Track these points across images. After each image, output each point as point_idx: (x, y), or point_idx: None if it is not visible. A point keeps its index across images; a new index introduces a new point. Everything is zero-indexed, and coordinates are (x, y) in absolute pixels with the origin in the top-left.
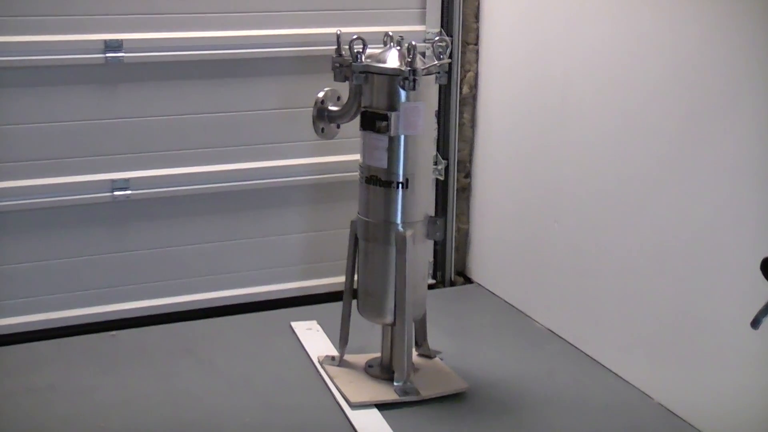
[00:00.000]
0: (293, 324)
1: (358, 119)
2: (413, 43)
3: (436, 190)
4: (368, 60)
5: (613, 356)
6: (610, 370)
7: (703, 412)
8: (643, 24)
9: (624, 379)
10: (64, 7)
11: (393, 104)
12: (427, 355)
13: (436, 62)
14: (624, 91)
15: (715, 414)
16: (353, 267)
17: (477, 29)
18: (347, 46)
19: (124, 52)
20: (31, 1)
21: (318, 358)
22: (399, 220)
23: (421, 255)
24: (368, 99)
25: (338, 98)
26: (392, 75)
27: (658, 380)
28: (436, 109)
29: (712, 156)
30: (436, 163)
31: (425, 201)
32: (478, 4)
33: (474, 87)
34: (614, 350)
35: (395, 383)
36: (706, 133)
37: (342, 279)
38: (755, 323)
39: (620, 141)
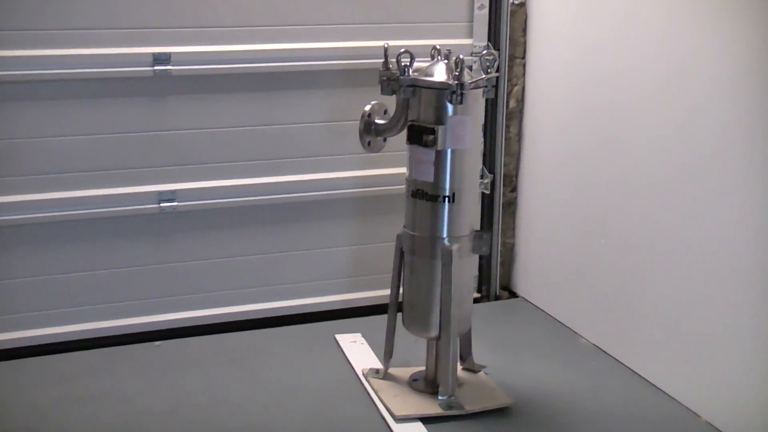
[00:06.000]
0: (338, 336)
1: (404, 133)
2: (461, 56)
3: (482, 204)
4: (415, 73)
5: (661, 373)
6: (658, 388)
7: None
8: (691, 33)
9: (672, 397)
10: (114, 21)
11: (440, 118)
12: (472, 369)
13: (484, 76)
14: (674, 104)
15: None
16: (399, 280)
17: (524, 43)
18: (395, 60)
19: (172, 65)
20: (82, 15)
21: (362, 371)
22: (445, 235)
23: (466, 269)
24: (415, 112)
25: (385, 112)
26: (440, 89)
27: (707, 398)
28: (483, 123)
29: None
30: (482, 177)
31: (471, 215)
32: (526, 18)
33: (521, 101)
34: (661, 367)
35: (440, 397)
36: (765, 139)
37: (387, 292)
38: None
39: (671, 155)
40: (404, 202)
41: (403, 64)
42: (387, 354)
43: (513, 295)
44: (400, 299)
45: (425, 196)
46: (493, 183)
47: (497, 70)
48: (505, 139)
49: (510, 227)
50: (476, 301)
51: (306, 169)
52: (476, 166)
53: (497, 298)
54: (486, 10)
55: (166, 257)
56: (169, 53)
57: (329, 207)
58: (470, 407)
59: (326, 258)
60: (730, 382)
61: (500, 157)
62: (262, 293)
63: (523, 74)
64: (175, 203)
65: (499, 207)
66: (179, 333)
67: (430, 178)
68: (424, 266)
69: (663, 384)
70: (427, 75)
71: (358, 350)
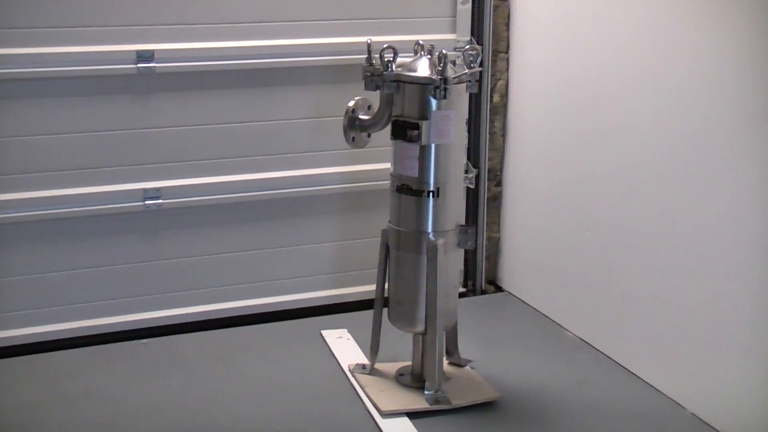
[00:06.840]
0: (324, 332)
1: (388, 128)
2: (444, 51)
3: (467, 198)
4: (399, 69)
5: (646, 366)
6: (643, 380)
7: (736, 423)
8: (673, 25)
9: (656, 389)
10: (97, 19)
11: (424, 113)
12: (458, 363)
13: (467, 71)
14: (657, 96)
15: (750, 425)
16: (384, 276)
17: (507, 38)
18: (378, 55)
19: (156, 62)
20: (64, 13)
21: (348, 367)
22: (430, 229)
23: (452, 264)
24: (399, 108)
25: (369, 107)
26: (423, 84)
27: (691, 390)
28: (467, 117)
29: (755, 156)
30: (466, 172)
31: (456, 210)
32: (509, 12)
33: (505, 95)
34: (646, 359)
35: (426, 392)
36: (747, 132)
37: (373, 288)
38: None
39: (655, 148)
40: (389, 198)
41: (386, 59)
42: (373, 349)
43: (498, 289)
44: (385, 294)
45: (410, 191)
46: (477, 177)
47: (480, 65)
48: (490, 133)
49: (495, 221)
50: (462, 295)
51: (291, 165)
52: (461, 160)
53: (483, 292)
54: (469, 5)
55: (152, 255)
56: (153, 50)
57: (314, 203)
58: (457, 401)
59: (312, 254)
60: (714, 374)
61: (485, 152)
62: (248, 290)
63: (507, 69)
64: (160, 201)
65: (483, 201)
66: (165, 330)
67: (415, 173)
68: (410, 261)
69: (648, 376)
70: (410, 70)
71: (344, 346)
